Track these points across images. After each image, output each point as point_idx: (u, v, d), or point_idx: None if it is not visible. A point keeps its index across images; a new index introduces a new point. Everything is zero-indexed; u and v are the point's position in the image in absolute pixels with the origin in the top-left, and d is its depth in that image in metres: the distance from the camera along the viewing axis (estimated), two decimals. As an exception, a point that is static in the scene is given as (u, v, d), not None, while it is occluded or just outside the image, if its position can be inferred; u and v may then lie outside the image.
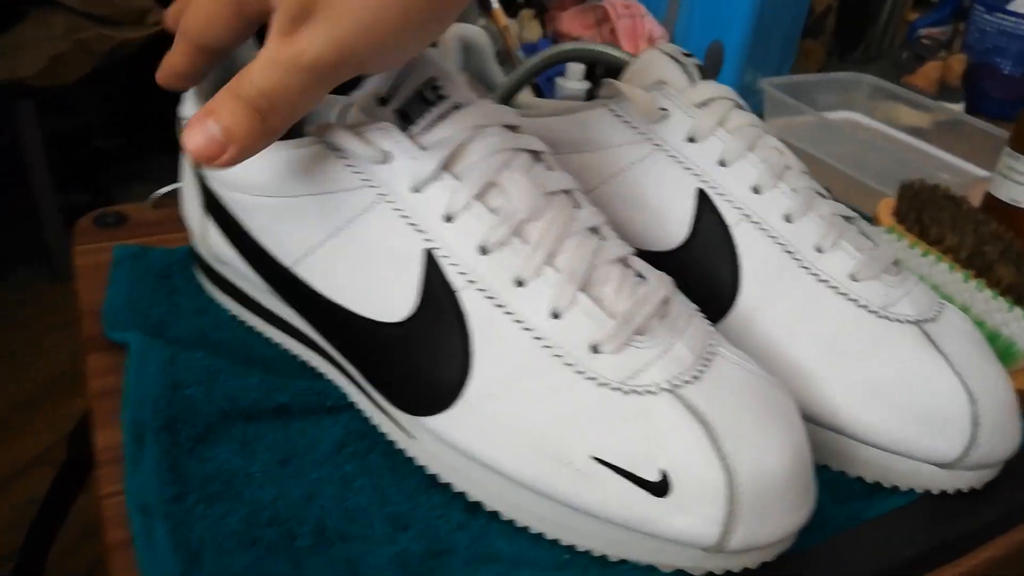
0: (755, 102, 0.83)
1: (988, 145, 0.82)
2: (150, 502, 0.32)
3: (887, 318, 0.36)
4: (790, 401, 0.33)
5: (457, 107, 0.33)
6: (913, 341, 0.36)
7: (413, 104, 0.33)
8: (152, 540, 0.31)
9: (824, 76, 0.86)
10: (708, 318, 0.36)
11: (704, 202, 0.38)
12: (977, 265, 0.52)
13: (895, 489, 0.37)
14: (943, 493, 0.37)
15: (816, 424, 0.36)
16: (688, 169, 0.39)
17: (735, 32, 1.25)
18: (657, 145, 0.39)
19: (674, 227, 0.39)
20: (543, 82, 0.73)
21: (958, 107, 1.35)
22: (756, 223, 0.38)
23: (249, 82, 0.28)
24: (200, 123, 0.29)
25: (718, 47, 1.25)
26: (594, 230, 0.34)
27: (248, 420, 0.36)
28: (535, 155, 0.34)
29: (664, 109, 0.39)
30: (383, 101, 0.33)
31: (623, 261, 0.33)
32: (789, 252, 0.37)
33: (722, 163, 0.38)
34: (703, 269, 0.38)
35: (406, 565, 0.31)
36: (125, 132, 1.44)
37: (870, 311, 0.37)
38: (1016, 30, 1.28)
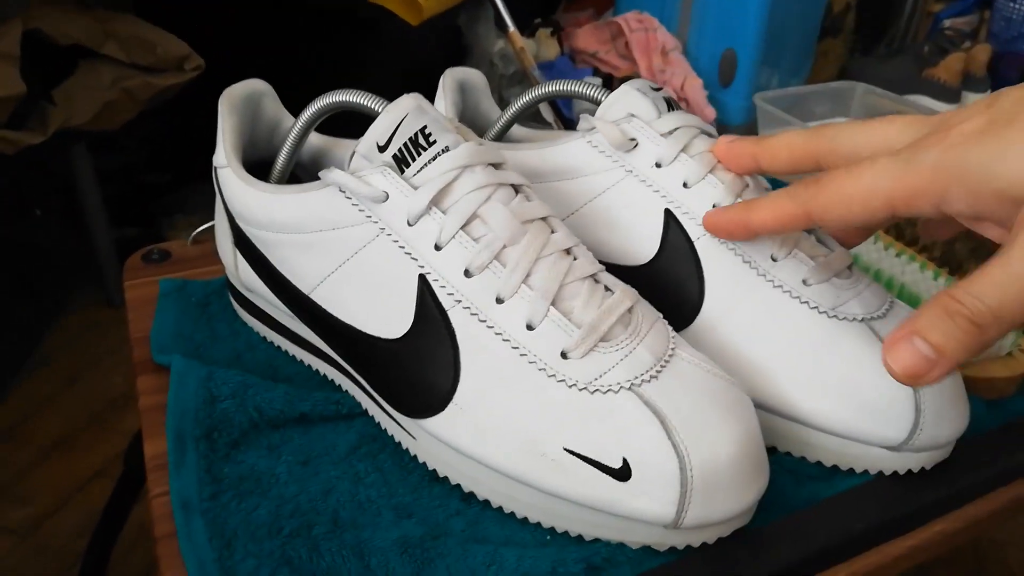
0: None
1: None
2: (191, 500, 0.37)
3: (836, 317, 0.41)
4: (742, 395, 0.37)
5: (446, 150, 0.38)
6: (860, 337, 0.40)
7: (407, 149, 0.38)
8: (192, 531, 0.36)
9: (817, 86, 0.89)
10: (677, 324, 0.41)
11: (671, 221, 0.43)
12: (949, 263, 0.55)
13: (851, 472, 0.41)
14: (895, 474, 0.40)
15: (777, 415, 0.41)
16: (656, 192, 0.43)
17: (747, 39, 1.28)
18: (628, 171, 0.44)
19: (645, 244, 0.44)
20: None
21: (983, 97, 1.36)
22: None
23: (974, 299, 0.28)
24: (905, 341, 0.29)
25: (731, 55, 1.29)
26: (567, 251, 0.38)
27: (274, 428, 0.41)
28: (515, 188, 0.39)
29: (633, 139, 0.44)
30: (382, 148, 0.38)
31: (593, 277, 0.38)
32: (747, 262, 0.42)
33: (685, 185, 0.43)
34: (672, 280, 0.43)
35: (407, 546, 0.36)
36: (168, 167, 1.53)
37: (821, 312, 0.41)
38: (1042, 17, 1.28)
